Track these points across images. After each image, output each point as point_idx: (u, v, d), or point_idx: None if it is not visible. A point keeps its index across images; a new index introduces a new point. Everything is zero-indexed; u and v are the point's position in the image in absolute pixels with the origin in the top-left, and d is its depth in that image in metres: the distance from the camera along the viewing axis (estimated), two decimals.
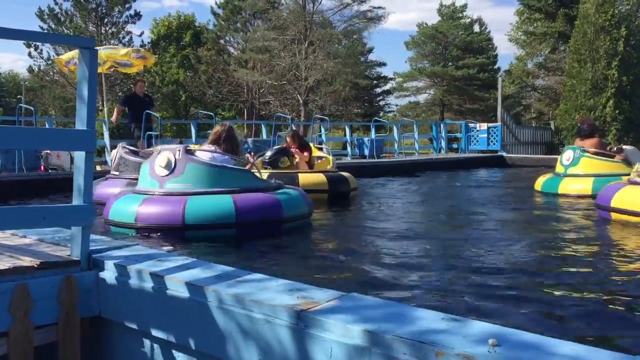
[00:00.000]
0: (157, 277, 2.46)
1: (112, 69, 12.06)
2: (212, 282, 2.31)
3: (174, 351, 2.44)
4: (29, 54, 31.97)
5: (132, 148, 7.63)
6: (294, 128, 15.14)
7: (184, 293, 2.34)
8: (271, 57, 29.43)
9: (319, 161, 8.96)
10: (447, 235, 5.49)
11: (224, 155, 5.56)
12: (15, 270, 2.47)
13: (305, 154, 8.68)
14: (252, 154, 6.95)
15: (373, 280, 3.47)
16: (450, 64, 42.70)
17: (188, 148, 5.57)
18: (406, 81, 44.30)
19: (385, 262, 4.08)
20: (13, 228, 3.07)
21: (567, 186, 8.45)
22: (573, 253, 4.51)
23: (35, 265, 2.53)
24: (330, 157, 9.11)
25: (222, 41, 36.81)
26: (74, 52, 10.80)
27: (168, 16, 40.84)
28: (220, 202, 5.09)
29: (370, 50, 46.31)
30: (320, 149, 9.64)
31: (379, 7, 31.42)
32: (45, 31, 32.12)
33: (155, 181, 5.42)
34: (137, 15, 33.07)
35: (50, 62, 31.29)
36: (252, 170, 5.82)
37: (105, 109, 11.34)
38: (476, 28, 47.22)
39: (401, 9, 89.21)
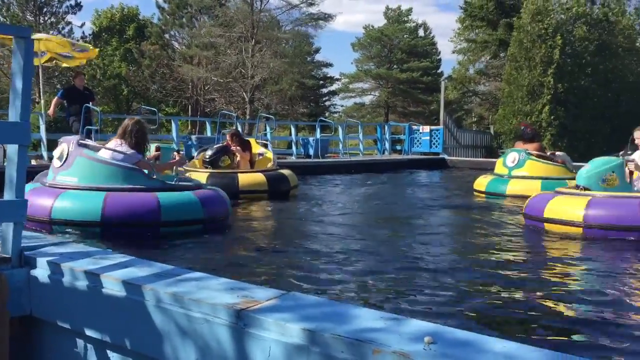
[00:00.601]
0: (92, 276, 2.39)
1: (53, 62, 11.63)
2: (150, 280, 2.26)
3: (108, 351, 2.38)
4: None
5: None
6: (239, 127, 15.08)
7: (120, 292, 2.28)
8: (217, 53, 29.11)
9: (260, 157, 8.98)
10: (386, 235, 5.57)
11: (126, 153, 5.39)
12: None
13: (247, 153, 8.70)
14: (179, 152, 6.70)
15: (312, 279, 3.49)
16: (395, 66, 43.31)
17: (81, 141, 5.48)
18: (352, 82, 44.71)
19: (324, 261, 4.11)
20: None
21: (515, 187, 8.72)
22: (508, 253, 4.66)
23: None
24: (271, 154, 9.10)
25: (167, 36, 36.15)
26: None
27: (111, 8, 39.85)
28: (89, 200, 4.99)
29: (317, 51, 46.49)
30: (265, 146, 9.59)
31: (328, 15, 31.63)
32: None
33: (52, 172, 5.43)
34: (78, 6, 32.12)
35: None
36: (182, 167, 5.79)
37: (42, 102, 10.91)
38: (421, 32, 48.13)
39: (349, 10, 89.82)
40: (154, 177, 5.47)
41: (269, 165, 8.84)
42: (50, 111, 10.68)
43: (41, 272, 2.58)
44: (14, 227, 2.59)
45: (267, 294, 2.10)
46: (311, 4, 29.40)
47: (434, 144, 19.32)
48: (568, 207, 5.48)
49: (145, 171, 5.42)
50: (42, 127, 11.12)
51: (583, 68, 23.29)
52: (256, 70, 27.44)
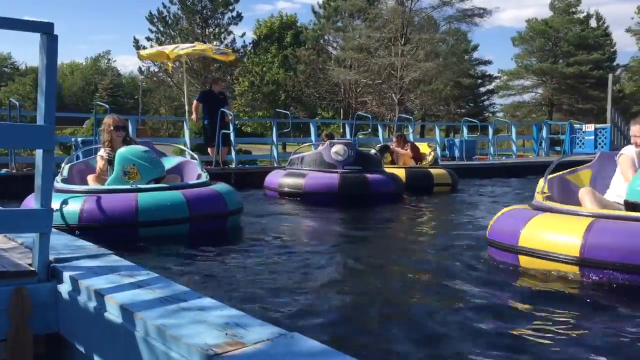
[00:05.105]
0: (99, 296, 2.13)
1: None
2: (148, 306, 1.94)
3: None
4: (140, 58, 33.46)
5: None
6: (379, 128, 14.86)
7: (117, 317, 1.99)
8: (368, 55, 28.98)
9: (429, 157, 10.08)
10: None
11: None
12: None
13: (408, 150, 9.97)
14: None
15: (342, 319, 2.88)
16: (560, 60, 40.20)
17: None
18: (511, 79, 42.29)
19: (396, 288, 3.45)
20: None
21: None
22: None
23: None
24: (432, 154, 10.21)
25: (321, 40, 36.86)
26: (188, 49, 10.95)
27: (271, 17, 41.56)
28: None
29: (474, 48, 44.72)
30: (434, 148, 10.95)
31: (483, 10, 30.01)
32: (154, 33, 33.63)
33: None
34: (239, 17, 33.81)
35: (157, 62, 32.42)
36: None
37: (187, 108, 11.43)
38: (593, 23, 44.30)
39: (517, 4, 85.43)
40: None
41: (424, 163, 9.93)
42: (194, 117, 11.11)
43: (65, 287, 2.39)
44: (40, 238, 2.43)
45: (262, 334, 1.68)
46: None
47: (599, 144, 17.39)
48: None
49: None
50: (187, 133, 11.61)
51: None
52: (406, 72, 26.86)
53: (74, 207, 4.64)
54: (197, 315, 1.86)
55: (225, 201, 5.21)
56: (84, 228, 4.54)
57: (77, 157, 6.76)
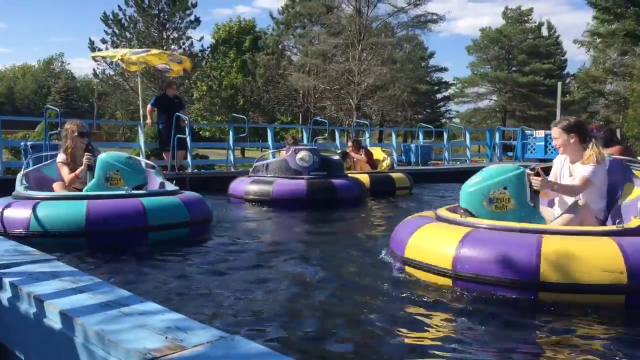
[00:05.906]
0: (40, 302, 2.10)
1: (143, 66, 11.99)
2: (87, 312, 1.93)
3: None
4: (93, 58, 32.69)
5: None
6: (336, 133, 14.97)
7: (57, 323, 1.97)
8: (325, 60, 29.13)
9: (384, 162, 10.31)
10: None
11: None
12: None
13: (362, 157, 10.15)
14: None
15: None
16: (514, 69, 41.21)
17: None
18: (466, 87, 43.13)
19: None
20: None
21: None
22: None
23: None
24: (389, 159, 10.48)
25: (280, 45, 36.88)
26: (144, 55, 10.79)
27: (229, 21, 41.41)
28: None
29: (431, 55, 45.44)
30: (390, 153, 11.16)
31: (434, 14, 30.64)
32: (109, 36, 33.00)
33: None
34: (197, 21, 33.46)
35: (112, 65, 31.85)
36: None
37: (141, 112, 11.27)
38: (544, 32, 45.59)
39: (474, 13, 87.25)
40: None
41: (382, 168, 10.14)
42: (148, 121, 10.94)
43: (5, 294, 2.35)
44: None
45: (203, 337, 1.69)
46: (417, 5, 28.62)
47: (549, 149, 17.88)
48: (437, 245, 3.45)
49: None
50: (142, 137, 11.44)
51: None
52: (363, 77, 27.11)
53: (80, 212, 4.49)
54: (138, 320, 1.86)
55: (208, 207, 5.34)
56: (89, 234, 4.47)
57: (29, 164, 6.58)
